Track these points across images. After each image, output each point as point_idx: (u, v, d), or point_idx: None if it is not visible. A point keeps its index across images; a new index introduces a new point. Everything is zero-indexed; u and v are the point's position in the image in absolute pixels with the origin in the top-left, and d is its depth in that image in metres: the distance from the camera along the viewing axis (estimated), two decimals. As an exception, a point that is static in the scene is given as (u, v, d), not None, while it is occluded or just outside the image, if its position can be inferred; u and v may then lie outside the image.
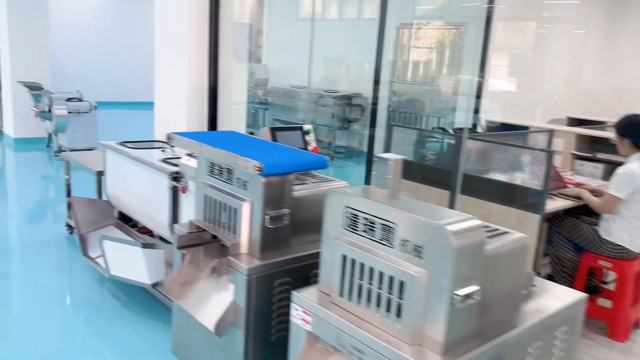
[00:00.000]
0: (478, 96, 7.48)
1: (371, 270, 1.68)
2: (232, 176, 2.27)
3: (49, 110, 7.09)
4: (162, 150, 3.51)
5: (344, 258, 1.77)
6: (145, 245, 2.96)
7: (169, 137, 2.45)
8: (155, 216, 3.25)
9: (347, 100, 8.77)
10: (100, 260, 3.40)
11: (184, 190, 2.86)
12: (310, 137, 2.90)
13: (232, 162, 2.13)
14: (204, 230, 2.42)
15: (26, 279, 3.75)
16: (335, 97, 8.64)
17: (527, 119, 6.60)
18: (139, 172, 3.30)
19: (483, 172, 3.77)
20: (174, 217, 3.08)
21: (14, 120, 8.06)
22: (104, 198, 3.97)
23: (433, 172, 3.90)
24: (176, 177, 3.01)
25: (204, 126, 4.23)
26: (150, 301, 3.38)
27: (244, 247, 2.23)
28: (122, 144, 3.62)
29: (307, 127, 2.91)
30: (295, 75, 9.59)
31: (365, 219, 1.71)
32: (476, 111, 7.52)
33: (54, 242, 4.41)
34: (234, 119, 4.35)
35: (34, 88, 7.55)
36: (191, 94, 4.10)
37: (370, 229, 1.70)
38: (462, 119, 7.39)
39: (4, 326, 3.13)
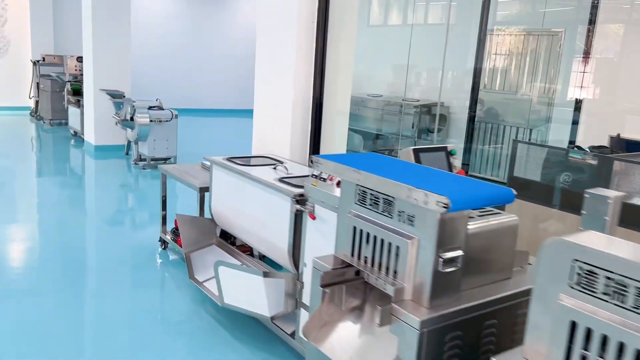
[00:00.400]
0: (577, 108, 6.93)
1: (621, 346, 1.32)
2: (393, 208, 1.95)
3: (131, 119, 7.05)
4: (274, 168, 3.26)
5: (573, 325, 1.41)
6: (267, 274, 2.69)
7: (313, 160, 2.16)
8: (270, 239, 2.99)
9: (428, 109, 8.36)
10: (209, 285, 3.18)
11: (313, 216, 2.57)
12: (456, 159, 2.56)
13: (404, 194, 1.81)
14: (349, 265, 2.13)
15: (123, 298, 3.59)
16: (415, 106, 8.24)
17: (632, 133, 6.01)
18: (254, 192, 3.05)
19: (627, 197, 3.32)
20: (295, 244, 2.80)
21: (95, 128, 8.10)
22: (205, 215, 3.76)
23: (567, 195, 3.48)
24: (299, 200, 2.74)
25: (306, 139, 3.96)
26: (259, 329, 3.12)
27: (408, 292, 1.91)
28: (230, 159, 3.39)
29: (451, 147, 2.57)
30: (371, 84, 9.26)
31: (609, 278, 1.35)
32: (574, 123, 6.97)
33: (147, 258, 4.25)
34: (336, 131, 4.06)
35: (116, 96, 7.55)
36: (296, 105, 3.85)
37: (618, 293, 1.34)
38: (562, 133, 6.83)
39: (103, 347, 2.95)
